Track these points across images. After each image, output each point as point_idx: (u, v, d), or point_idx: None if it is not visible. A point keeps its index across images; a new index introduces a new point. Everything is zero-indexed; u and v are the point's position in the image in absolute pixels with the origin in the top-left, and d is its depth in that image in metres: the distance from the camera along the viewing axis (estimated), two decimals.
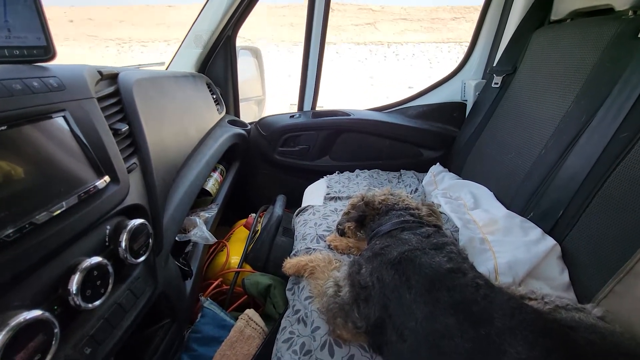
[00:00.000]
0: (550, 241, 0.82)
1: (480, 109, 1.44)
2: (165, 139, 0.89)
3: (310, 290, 0.78)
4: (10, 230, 0.40)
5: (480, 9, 1.54)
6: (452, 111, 1.67)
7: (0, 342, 0.36)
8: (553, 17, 1.20)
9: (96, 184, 0.54)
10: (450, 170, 1.48)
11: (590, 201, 0.77)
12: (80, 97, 0.59)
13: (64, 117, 0.53)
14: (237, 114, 1.78)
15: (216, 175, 1.39)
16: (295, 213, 1.24)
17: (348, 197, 1.22)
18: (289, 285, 0.90)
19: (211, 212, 1.19)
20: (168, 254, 0.80)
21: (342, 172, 1.53)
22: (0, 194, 0.41)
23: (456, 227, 0.97)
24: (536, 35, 1.21)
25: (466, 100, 1.64)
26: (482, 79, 1.56)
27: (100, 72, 0.72)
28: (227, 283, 1.19)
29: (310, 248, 0.95)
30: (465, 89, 1.61)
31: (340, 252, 0.92)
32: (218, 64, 1.62)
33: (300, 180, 1.55)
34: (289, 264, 0.88)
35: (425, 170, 1.53)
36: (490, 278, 0.66)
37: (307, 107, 1.73)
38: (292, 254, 0.98)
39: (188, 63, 1.56)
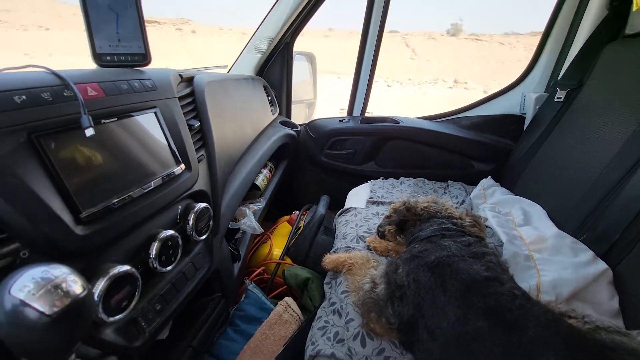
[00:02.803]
0: (601, 265, 0.77)
1: (540, 123, 1.37)
2: (226, 134, 1.00)
3: (347, 285, 0.83)
4: (115, 200, 0.50)
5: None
6: (508, 124, 1.60)
7: (103, 286, 0.46)
8: (628, 31, 1.11)
9: (174, 170, 0.65)
10: (502, 185, 1.42)
11: None
12: (167, 96, 0.70)
13: (155, 112, 0.64)
14: (288, 115, 1.88)
15: (265, 172, 1.50)
16: (338, 213, 1.29)
17: (390, 203, 1.24)
18: (326, 280, 0.95)
19: (259, 204, 1.29)
20: (222, 237, 0.90)
21: (386, 179, 1.54)
22: (109, 171, 0.52)
23: (501, 241, 0.95)
24: (608, 50, 1.13)
25: (525, 114, 1.56)
26: (544, 92, 1.49)
27: (180, 75, 0.84)
28: (268, 272, 1.28)
29: (350, 247, 0.99)
30: (525, 102, 1.54)
31: (379, 254, 0.95)
32: (275, 68, 1.74)
33: (344, 183, 1.60)
34: (329, 259, 0.94)
35: (475, 183, 1.48)
36: (532, 295, 0.65)
37: (356, 112, 1.77)
38: (332, 250, 1.03)
39: (248, 66, 1.70)
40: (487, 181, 1.45)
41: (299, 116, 1.99)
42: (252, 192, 1.39)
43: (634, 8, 1.03)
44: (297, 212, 1.55)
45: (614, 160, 0.92)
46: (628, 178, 0.84)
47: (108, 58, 0.64)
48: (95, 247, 0.47)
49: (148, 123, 0.62)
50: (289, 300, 0.99)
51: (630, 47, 1.07)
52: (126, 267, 0.50)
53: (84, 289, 0.30)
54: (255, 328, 0.88)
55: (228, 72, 1.66)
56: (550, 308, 0.58)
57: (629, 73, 1.02)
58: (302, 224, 1.44)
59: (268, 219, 1.61)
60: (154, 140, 0.63)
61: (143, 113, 0.61)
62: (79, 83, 0.50)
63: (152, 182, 0.58)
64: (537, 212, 1.11)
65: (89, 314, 0.30)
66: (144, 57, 0.68)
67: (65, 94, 0.47)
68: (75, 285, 0.30)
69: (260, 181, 1.42)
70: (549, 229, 0.97)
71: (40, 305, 0.27)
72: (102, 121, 0.52)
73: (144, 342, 0.56)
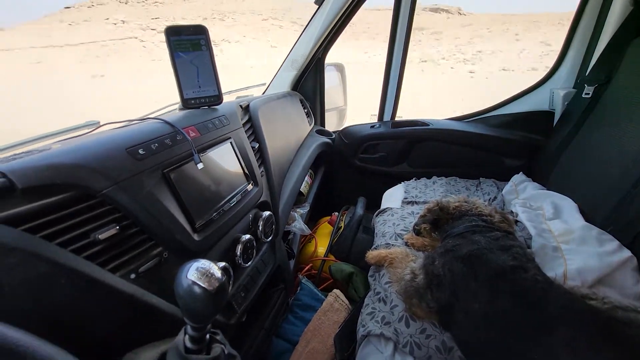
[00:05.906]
0: (626, 252, 0.83)
1: (569, 119, 1.41)
2: (277, 150, 1.16)
3: (390, 277, 0.95)
4: (214, 214, 0.67)
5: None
6: (538, 120, 1.63)
7: None
8: None
9: (247, 187, 0.81)
10: (534, 180, 1.47)
11: None
12: (236, 127, 0.87)
13: (231, 142, 0.81)
14: (323, 124, 2.02)
15: (307, 178, 1.65)
16: (376, 214, 1.41)
17: (424, 202, 1.35)
18: (370, 273, 1.08)
19: (305, 209, 1.45)
20: (281, 239, 1.06)
21: (419, 179, 1.64)
22: (207, 191, 0.69)
23: (530, 235, 1.03)
24: (634, 45, 1.16)
25: (554, 110, 1.59)
26: (572, 88, 1.51)
27: (240, 106, 1.01)
28: (314, 268, 1.43)
29: (389, 243, 1.12)
30: (554, 98, 1.57)
31: (416, 249, 1.07)
32: (309, 82, 1.89)
33: (379, 184, 1.71)
34: (371, 255, 1.07)
35: (507, 179, 1.53)
36: (559, 282, 0.74)
37: (387, 117, 1.88)
38: (373, 247, 1.16)
39: (284, 83, 1.86)
40: (518, 177, 1.50)
41: (332, 123, 2.13)
42: (297, 198, 1.55)
43: None
44: (337, 213, 1.69)
45: (639, 155, 0.97)
46: None
47: (192, 101, 0.82)
48: (205, 249, 0.64)
49: (227, 151, 0.79)
50: (337, 291, 1.13)
51: None
52: (223, 263, 0.67)
53: (224, 275, 0.45)
54: (311, 315, 1.03)
55: (266, 89, 1.83)
56: (572, 291, 0.67)
57: None
58: (342, 224, 1.58)
59: (309, 220, 1.77)
60: (231, 164, 0.80)
61: (223, 144, 0.78)
62: (184, 127, 0.68)
63: (235, 198, 0.75)
64: (568, 205, 1.17)
65: (227, 292, 0.46)
66: (218, 98, 0.86)
67: (177, 138, 0.65)
68: (218, 273, 0.45)
69: (303, 187, 1.57)
70: (577, 221, 1.03)
71: (204, 284, 0.43)
72: (201, 155, 0.69)
73: (236, 320, 0.73)
